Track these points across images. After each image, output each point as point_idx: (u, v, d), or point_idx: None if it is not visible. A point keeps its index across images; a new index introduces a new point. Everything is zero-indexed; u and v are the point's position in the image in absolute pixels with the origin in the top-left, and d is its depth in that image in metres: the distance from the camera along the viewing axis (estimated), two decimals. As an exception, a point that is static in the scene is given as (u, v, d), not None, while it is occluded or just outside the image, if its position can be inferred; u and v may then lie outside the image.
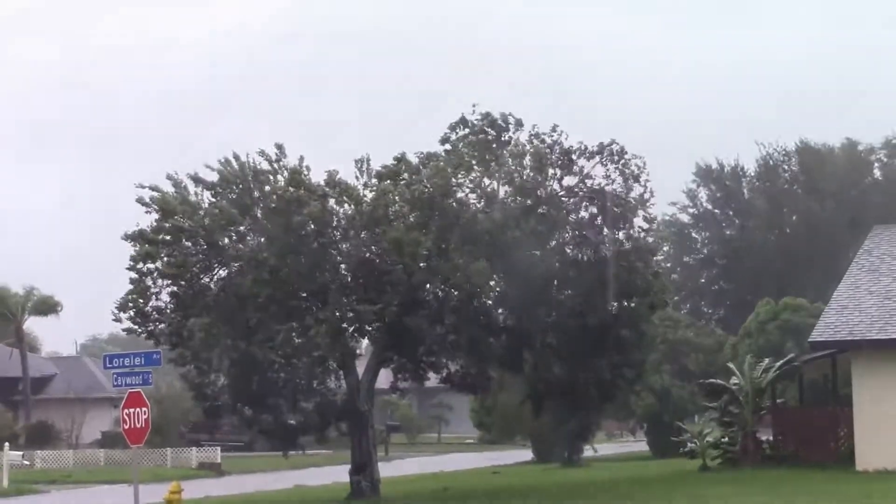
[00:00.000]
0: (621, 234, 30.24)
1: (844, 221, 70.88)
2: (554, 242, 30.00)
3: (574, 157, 29.87)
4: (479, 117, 30.26)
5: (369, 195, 28.26)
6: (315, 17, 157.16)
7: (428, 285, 28.50)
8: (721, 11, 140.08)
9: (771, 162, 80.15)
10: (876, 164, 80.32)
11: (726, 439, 33.17)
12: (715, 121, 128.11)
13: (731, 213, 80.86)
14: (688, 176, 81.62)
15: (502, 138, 30.10)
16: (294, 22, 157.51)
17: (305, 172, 28.13)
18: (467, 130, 30.35)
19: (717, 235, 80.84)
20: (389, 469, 40.46)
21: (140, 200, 28.12)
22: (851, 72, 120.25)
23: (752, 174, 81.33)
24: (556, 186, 29.99)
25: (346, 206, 28.29)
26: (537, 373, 30.65)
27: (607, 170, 29.88)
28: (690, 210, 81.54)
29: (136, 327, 28.65)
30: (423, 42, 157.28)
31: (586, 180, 30.03)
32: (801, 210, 77.92)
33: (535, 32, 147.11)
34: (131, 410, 23.77)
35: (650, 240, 31.09)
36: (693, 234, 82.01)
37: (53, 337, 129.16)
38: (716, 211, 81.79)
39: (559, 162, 29.83)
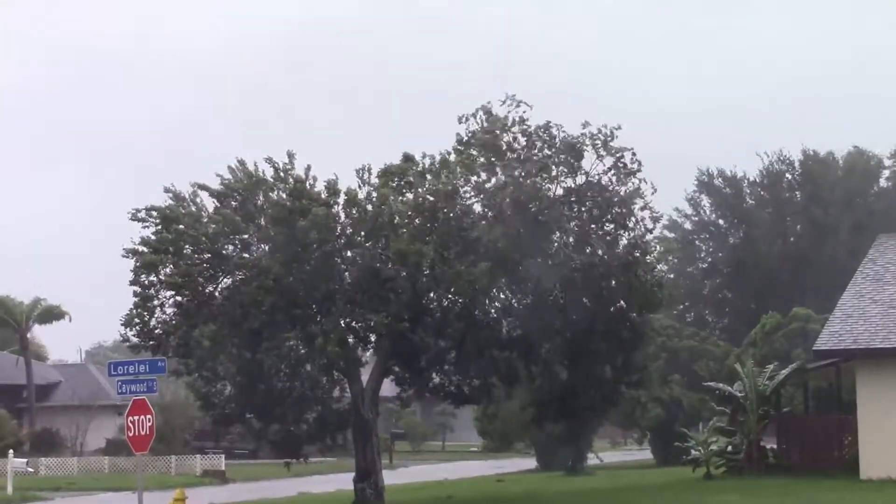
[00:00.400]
0: (624, 236, 29.89)
1: (849, 230, 70.75)
2: (555, 247, 29.70)
3: (575, 151, 29.20)
4: (506, 110, 28.97)
5: (372, 201, 28.15)
6: (319, 25, 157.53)
7: (431, 293, 28.46)
8: (724, 15, 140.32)
9: (774, 169, 79.93)
10: (886, 173, 79.94)
11: (730, 448, 33.13)
12: (716, 124, 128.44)
13: (735, 220, 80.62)
14: (690, 184, 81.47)
15: (513, 144, 29.55)
16: (299, 34, 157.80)
17: (311, 182, 28.14)
18: (483, 117, 29.12)
19: (720, 244, 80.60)
20: (394, 477, 40.45)
21: (135, 217, 28.07)
22: (855, 80, 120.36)
23: (755, 181, 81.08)
24: (558, 191, 29.65)
25: (350, 211, 28.24)
26: (541, 382, 30.55)
27: (605, 167, 29.31)
28: (694, 218, 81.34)
29: (142, 342, 28.47)
30: (428, 43, 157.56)
31: (583, 175, 29.35)
32: (805, 219, 77.67)
33: (534, 36, 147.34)
34: (136, 418, 23.80)
35: (652, 236, 30.73)
36: (697, 243, 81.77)
37: (58, 344, 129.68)
38: (720, 221, 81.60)
39: (569, 163, 29.28)
